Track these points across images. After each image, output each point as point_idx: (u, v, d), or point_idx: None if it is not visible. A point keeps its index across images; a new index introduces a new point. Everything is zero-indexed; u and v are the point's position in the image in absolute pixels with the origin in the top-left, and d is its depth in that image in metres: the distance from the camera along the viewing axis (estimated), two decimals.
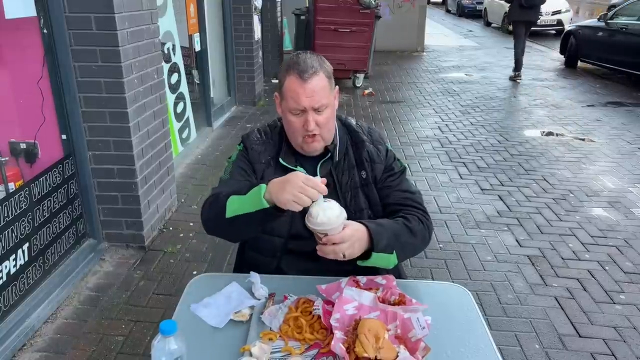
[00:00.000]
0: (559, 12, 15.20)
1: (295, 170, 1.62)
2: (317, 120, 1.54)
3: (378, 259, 1.49)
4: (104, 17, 2.86)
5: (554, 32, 15.64)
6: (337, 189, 1.65)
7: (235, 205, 1.44)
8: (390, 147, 1.75)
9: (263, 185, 1.39)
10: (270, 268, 1.66)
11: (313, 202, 1.36)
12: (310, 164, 1.65)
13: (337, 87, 1.64)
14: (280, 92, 1.59)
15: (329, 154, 1.65)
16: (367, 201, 1.67)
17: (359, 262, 1.49)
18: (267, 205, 1.37)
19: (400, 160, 1.76)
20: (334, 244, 1.39)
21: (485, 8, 18.64)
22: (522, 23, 8.99)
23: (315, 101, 1.52)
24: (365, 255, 1.48)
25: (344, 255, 1.41)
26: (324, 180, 1.37)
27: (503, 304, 2.88)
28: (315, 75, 1.53)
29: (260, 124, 1.80)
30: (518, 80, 9.14)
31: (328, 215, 1.36)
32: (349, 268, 1.63)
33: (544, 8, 14.47)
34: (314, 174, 1.63)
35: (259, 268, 1.62)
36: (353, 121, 1.77)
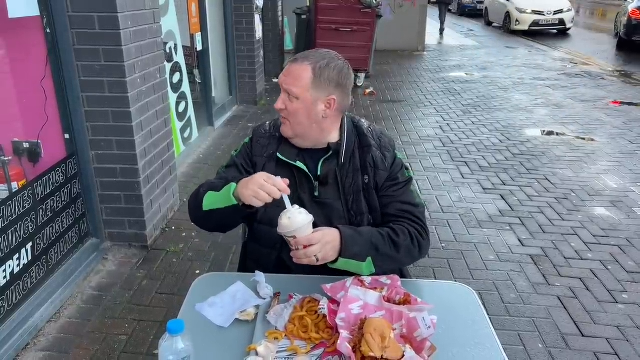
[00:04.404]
0: (560, 11, 15.16)
1: (294, 165, 1.63)
2: (285, 102, 1.59)
3: (347, 264, 1.51)
4: (106, 16, 2.86)
5: (555, 31, 15.57)
6: (340, 190, 1.65)
7: (211, 200, 1.56)
8: (399, 156, 1.71)
9: (233, 184, 1.49)
10: (271, 259, 1.67)
11: (284, 210, 1.42)
12: (312, 160, 1.66)
13: (332, 97, 1.57)
14: None
15: (331, 152, 1.65)
16: (367, 206, 1.66)
17: (328, 264, 1.51)
18: (235, 202, 1.47)
19: (409, 169, 1.73)
20: (304, 247, 1.43)
21: (486, 7, 18.61)
22: (442, 3, 15.74)
23: (287, 82, 1.57)
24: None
25: (317, 259, 1.45)
26: (286, 180, 1.43)
27: (506, 303, 2.88)
28: (299, 63, 1.57)
29: (273, 118, 1.80)
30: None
31: (292, 219, 1.41)
32: None
33: (545, 8, 14.55)
34: (315, 171, 1.65)
35: (261, 259, 1.67)
36: (365, 124, 1.75)
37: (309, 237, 1.43)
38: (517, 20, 15.49)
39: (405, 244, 1.59)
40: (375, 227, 1.62)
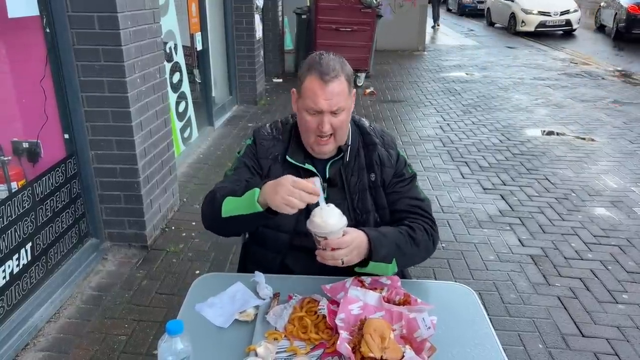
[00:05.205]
0: (567, 12, 14.84)
1: (303, 167, 1.62)
2: (332, 123, 1.54)
3: (376, 268, 1.50)
4: (106, 16, 2.86)
5: (561, 32, 15.25)
6: (345, 189, 1.65)
7: (231, 206, 1.48)
8: (402, 153, 1.73)
9: (257, 190, 1.42)
10: (275, 263, 1.66)
11: (315, 205, 1.37)
12: (320, 162, 1.65)
13: (354, 90, 1.64)
14: (299, 89, 1.58)
15: (341, 154, 1.65)
16: (373, 204, 1.67)
17: (356, 269, 1.50)
18: (261, 209, 1.41)
19: (411, 166, 1.75)
20: (332, 249, 1.40)
21: (488, 8, 18.32)
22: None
23: (333, 104, 1.53)
24: (364, 262, 1.49)
25: (343, 262, 1.43)
26: (315, 179, 1.39)
27: (506, 303, 2.88)
28: (336, 79, 1.53)
29: (273, 119, 1.79)
30: (436, 27, 17.06)
31: (326, 220, 1.38)
32: (352, 268, 1.64)
33: (552, 8, 14.31)
34: (324, 173, 1.65)
35: (265, 263, 1.64)
36: (367, 123, 1.76)
37: (340, 241, 1.40)
38: (522, 21, 15.13)
39: (424, 240, 1.61)
40: (384, 226, 1.62)
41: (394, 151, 1.71)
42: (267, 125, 1.74)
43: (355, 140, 1.68)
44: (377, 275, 1.53)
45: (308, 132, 1.58)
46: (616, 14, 13.83)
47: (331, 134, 1.57)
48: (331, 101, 1.52)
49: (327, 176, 1.65)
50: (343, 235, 1.42)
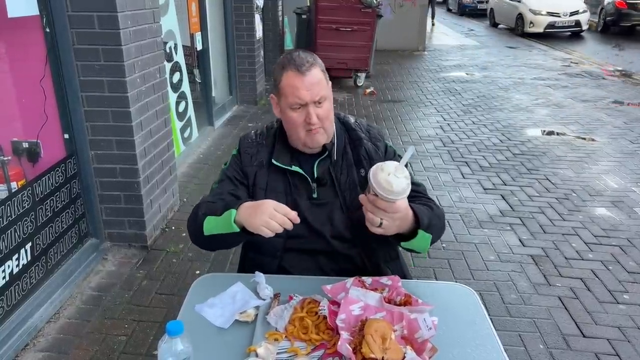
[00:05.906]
0: (576, 12, 14.51)
1: (289, 169, 1.63)
2: (318, 113, 1.55)
3: (421, 239, 1.48)
4: (106, 15, 2.85)
5: (569, 33, 14.93)
6: (336, 187, 1.65)
7: (211, 225, 1.52)
8: (390, 144, 1.74)
9: (233, 211, 1.45)
10: (272, 267, 1.66)
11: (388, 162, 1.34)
12: (307, 162, 1.65)
13: (329, 82, 1.64)
14: (277, 90, 1.59)
15: (327, 153, 1.64)
16: None
17: (403, 244, 1.51)
18: (237, 230, 1.44)
19: (401, 155, 1.74)
20: (377, 207, 1.35)
21: (491, 8, 17.93)
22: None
23: (315, 93, 1.54)
24: (404, 237, 1.48)
25: (381, 224, 1.38)
26: (296, 213, 1.40)
27: (507, 303, 2.88)
28: (313, 68, 1.55)
29: (260, 125, 1.79)
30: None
31: (390, 181, 1.30)
32: (349, 267, 1.63)
33: (561, 9, 14.10)
34: (312, 173, 1.64)
35: (262, 268, 1.63)
36: (352, 119, 1.76)
37: (387, 205, 1.34)
38: (531, 22, 14.72)
39: (441, 212, 1.61)
40: None
41: (381, 143, 1.71)
42: (253, 132, 1.75)
43: (341, 137, 1.69)
44: (417, 252, 1.54)
45: (297, 129, 1.58)
46: (602, 8, 15.04)
47: (319, 126, 1.57)
48: (312, 91, 1.53)
49: (315, 175, 1.65)
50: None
